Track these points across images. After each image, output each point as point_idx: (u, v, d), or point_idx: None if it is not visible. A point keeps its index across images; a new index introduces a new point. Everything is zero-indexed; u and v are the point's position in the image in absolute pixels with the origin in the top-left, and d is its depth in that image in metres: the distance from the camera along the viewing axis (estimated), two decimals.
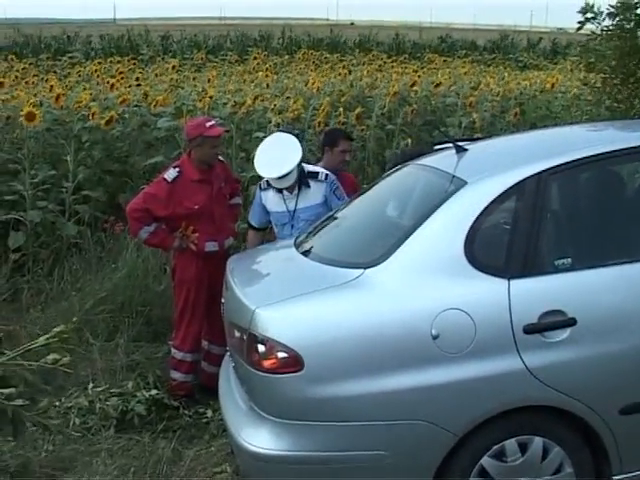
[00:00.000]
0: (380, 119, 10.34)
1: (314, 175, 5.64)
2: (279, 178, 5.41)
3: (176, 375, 5.66)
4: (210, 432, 4.94)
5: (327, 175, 5.68)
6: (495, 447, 3.62)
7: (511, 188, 3.77)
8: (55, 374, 3.02)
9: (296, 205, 5.58)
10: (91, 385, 5.49)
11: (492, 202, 3.74)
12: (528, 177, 3.79)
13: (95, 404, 5.25)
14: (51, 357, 2.89)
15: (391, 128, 10.39)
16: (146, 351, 6.13)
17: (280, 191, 5.58)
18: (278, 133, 5.85)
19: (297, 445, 3.59)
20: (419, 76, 13.83)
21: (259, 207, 5.79)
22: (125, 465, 4.38)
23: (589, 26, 7.31)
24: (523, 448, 3.65)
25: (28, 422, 2.70)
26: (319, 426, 3.57)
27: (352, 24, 55.46)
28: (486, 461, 3.62)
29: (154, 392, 5.39)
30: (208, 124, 5.61)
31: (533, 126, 10.29)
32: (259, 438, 3.68)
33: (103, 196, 8.35)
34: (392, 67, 16.20)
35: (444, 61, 19.59)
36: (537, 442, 3.65)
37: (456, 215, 3.77)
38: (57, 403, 5.30)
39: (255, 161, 5.55)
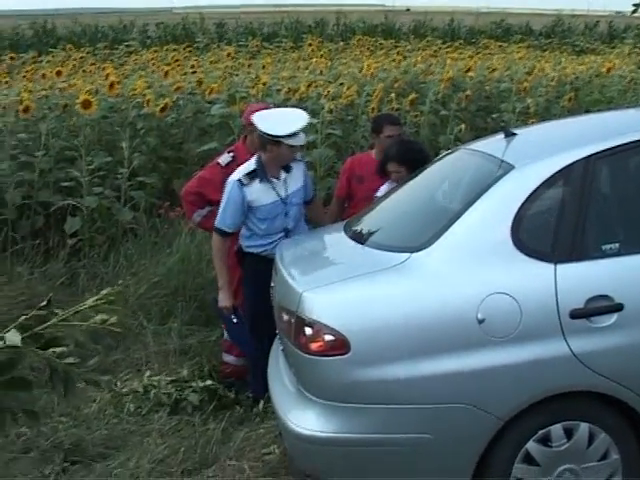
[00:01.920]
0: (434, 105, 10.28)
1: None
2: (298, 133, 5.12)
3: (228, 358, 5.73)
4: (260, 414, 4.99)
5: (303, 156, 5.60)
6: (541, 432, 3.62)
7: (558, 172, 3.76)
8: (103, 334, 3.11)
9: (287, 190, 5.29)
10: (147, 373, 5.59)
11: (539, 186, 3.73)
12: (576, 161, 3.76)
13: (150, 390, 5.35)
14: (99, 317, 2.96)
15: (445, 114, 10.34)
16: (199, 335, 6.22)
17: (267, 179, 5.20)
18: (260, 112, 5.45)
19: (343, 427, 3.63)
20: (474, 62, 13.73)
21: (238, 207, 5.22)
22: (175, 445, 4.47)
23: None
24: (569, 434, 3.64)
25: (78, 380, 2.79)
26: (365, 409, 3.61)
27: (408, 10, 55.04)
28: (531, 446, 3.62)
29: (209, 382, 5.43)
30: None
31: (588, 111, 10.15)
32: (306, 420, 3.73)
33: (158, 182, 8.48)
34: (447, 53, 16.09)
35: (499, 46, 19.41)
36: (583, 428, 3.64)
37: (503, 199, 3.76)
38: (113, 388, 5.43)
39: (259, 124, 5.15)
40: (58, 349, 2.91)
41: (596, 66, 13.34)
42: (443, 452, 3.61)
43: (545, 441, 3.63)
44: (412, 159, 5.23)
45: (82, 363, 3.10)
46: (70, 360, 2.89)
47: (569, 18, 36.71)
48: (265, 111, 5.42)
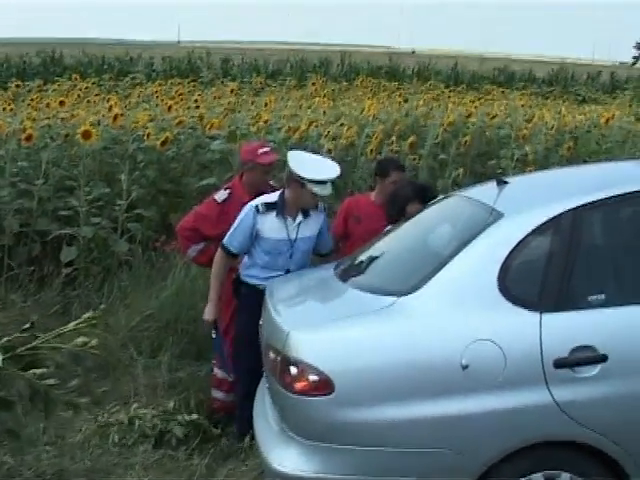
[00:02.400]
0: (433, 149, 10.36)
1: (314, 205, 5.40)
2: (326, 183, 5.11)
3: (218, 394, 5.73)
4: (245, 450, 4.99)
5: (324, 206, 5.51)
6: (523, 479, 3.62)
7: (547, 222, 3.80)
8: (84, 356, 3.15)
9: (297, 234, 5.30)
10: (134, 405, 5.59)
11: (527, 235, 3.78)
12: (565, 211, 3.81)
13: (135, 422, 5.35)
14: (80, 340, 3.00)
15: (444, 158, 10.41)
16: (189, 369, 6.22)
17: (283, 216, 5.24)
18: (296, 151, 5.55)
19: (325, 467, 3.65)
20: (475, 107, 13.85)
21: (247, 231, 5.28)
22: (158, 479, 4.46)
23: None
24: None
25: (59, 401, 2.82)
26: (347, 450, 3.62)
27: (413, 52, 55.57)
28: None
29: (194, 416, 5.43)
30: (261, 150, 5.70)
31: (585, 161, 10.23)
32: (287, 459, 3.75)
33: (156, 215, 8.52)
34: (449, 97, 16.25)
35: (502, 92, 19.59)
36: (564, 477, 3.65)
37: (491, 247, 3.81)
38: (98, 417, 5.44)
39: (293, 162, 5.18)
40: (38, 371, 2.94)
41: (595, 116, 13.45)
42: None
43: None
44: (431, 197, 5.25)
45: (62, 385, 3.13)
46: (50, 382, 2.92)
47: (572, 67, 37.02)
48: (303, 153, 5.44)
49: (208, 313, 5.38)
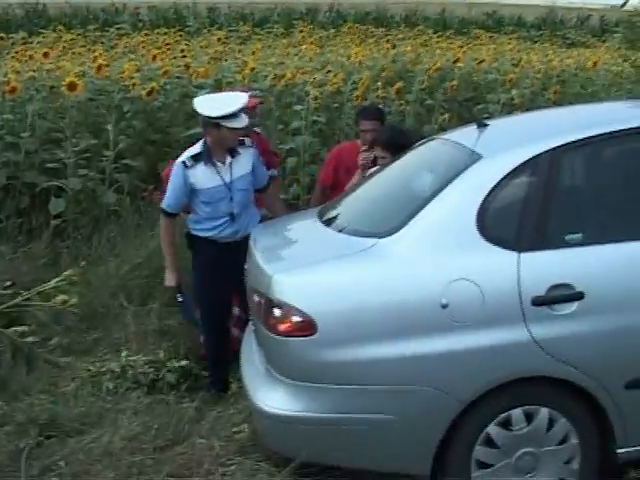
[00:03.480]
0: (420, 94, 10.35)
1: (241, 142, 5.38)
2: (238, 115, 5.10)
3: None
4: (234, 395, 5.08)
5: (252, 142, 5.48)
6: (501, 415, 3.71)
7: (525, 163, 3.84)
8: (65, 315, 3.22)
9: (232, 175, 5.26)
10: (125, 353, 5.68)
11: (505, 176, 3.82)
12: (542, 152, 3.85)
13: (127, 370, 5.45)
14: (60, 298, 3.07)
15: (431, 103, 10.41)
16: (178, 317, 6.26)
17: (212, 163, 5.23)
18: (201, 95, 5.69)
19: (309, 406, 3.73)
20: (464, 52, 13.79)
21: (181, 189, 5.28)
22: (149, 422, 4.53)
23: (634, 2, 7.27)
24: (529, 418, 3.73)
25: (40, 358, 2.90)
26: (329, 389, 3.70)
27: None
28: (492, 429, 3.71)
29: (184, 362, 5.55)
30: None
31: (571, 104, 10.24)
32: (273, 399, 3.83)
33: (143, 166, 8.54)
34: (437, 43, 16.14)
35: (490, 37, 19.44)
36: (543, 412, 3.74)
37: (470, 188, 3.85)
38: (91, 367, 5.54)
39: (198, 107, 5.22)
40: (20, 328, 3.00)
41: (583, 59, 13.42)
42: (406, 433, 3.70)
43: (506, 425, 3.72)
44: (395, 145, 5.30)
45: (44, 343, 3.20)
46: (30, 339, 2.98)
47: (562, 10, 36.75)
48: (206, 95, 5.55)
49: (168, 280, 5.50)
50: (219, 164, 5.27)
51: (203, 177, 5.25)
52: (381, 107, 7.48)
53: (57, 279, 3.02)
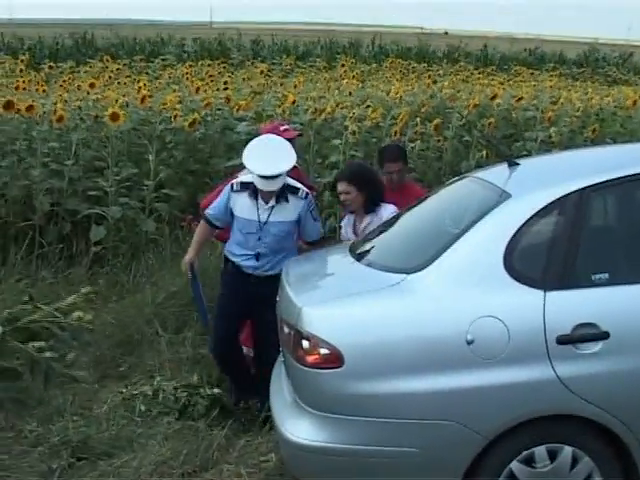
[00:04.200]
0: (458, 131, 10.44)
1: (295, 190, 5.34)
2: (272, 178, 5.10)
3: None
4: (262, 424, 5.15)
5: (307, 194, 5.40)
6: (525, 452, 3.74)
7: (553, 202, 3.90)
8: (82, 331, 3.32)
9: (269, 217, 5.29)
10: (158, 378, 5.78)
11: (534, 215, 3.87)
12: (570, 192, 3.90)
13: (159, 394, 5.54)
14: (76, 314, 3.16)
15: (469, 140, 10.48)
16: None
17: (255, 197, 5.28)
18: (271, 135, 5.59)
19: (334, 438, 3.79)
20: (504, 89, 13.87)
21: (222, 206, 5.43)
22: (178, 448, 4.63)
23: None
24: (552, 455, 3.75)
25: (58, 373, 2.99)
26: (355, 421, 3.75)
27: (446, 33, 55.28)
28: (515, 465, 3.74)
29: (216, 390, 5.62)
30: (282, 127, 5.90)
31: (608, 143, 10.25)
32: (300, 429, 3.89)
33: (183, 195, 8.71)
34: (478, 79, 16.24)
35: (531, 74, 19.51)
36: (567, 451, 3.75)
37: (498, 226, 3.91)
38: (124, 390, 5.64)
39: (245, 157, 5.23)
40: (37, 343, 3.11)
41: (622, 97, 13.40)
42: (429, 467, 3.74)
43: (529, 462, 3.75)
44: (360, 179, 5.44)
45: (60, 358, 3.31)
46: (48, 354, 3.09)
47: (603, 47, 36.61)
48: (263, 141, 5.41)
49: (187, 255, 5.73)
50: (262, 202, 5.30)
51: (242, 205, 5.33)
52: (401, 145, 7.33)
53: (74, 295, 3.14)
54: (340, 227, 5.84)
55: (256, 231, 5.33)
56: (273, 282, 4.86)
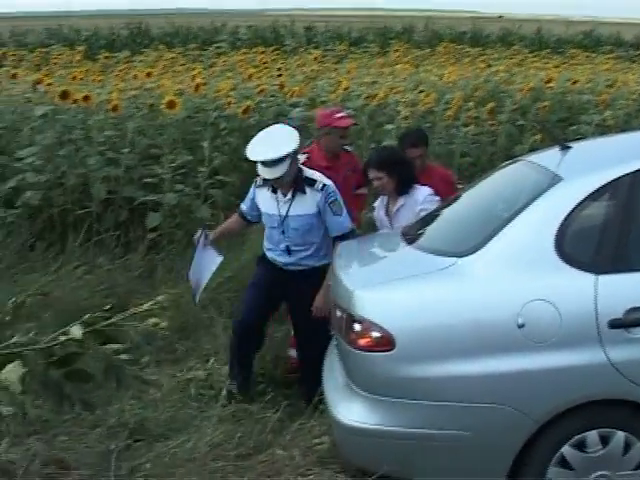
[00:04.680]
0: (512, 115, 10.36)
1: (311, 182, 5.25)
2: (269, 165, 5.03)
3: (294, 353, 5.95)
4: (316, 408, 5.19)
5: (325, 185, 5.25)
6: (576, 437, 3.74)
7: (605, 186, 3.88)
8: (156, 336, 3.41)
9: (288, 211, 5.25)
10: (212, 360, 5.87)
11: (585, 198, 3.86)
12: (622, 175, 3.88)
13: (213, 377, 5.63)
14: (152, 321, 3.24)
15: (523, 124, 10.40)
16: (267, 329, 6.45)
17: (275, 191, 5.27)
18: (278, 125, 5.68)
19: (385, 420, 3.83)
20: (560, 72, 13.70)
21: (250, 202, 5.54)
22: (232, 431, 4.69)
23: None
24: (605, 440, 3.74)
25: (130, 376, 3.07)
26: (406, 404, 3.79)
27: (501, 17, 54.71)
28: (567, 450, 3.74)
29: (271, 374, 5.71)
30: (337, 115, 5.91)
31: None
32: (352, 412, 3.94)
33: (237, 181, 8.76)
34: (532, 62, 16.06)
35: (587, 57, 19.23)
36: (619, 436, 3.74)
37: (549, 209, 3.91)
38: (178, 374, 5.74)
39: (247, 148, 5.25)
40: (115, 346, 3.20)
41: None
42: (480, 450, 3.76)
43: (581, 446, 3.75)
44: (390, 163, 5.39)
45: (135, 361, 3.40)
46: (124, 357, 3.18)
47: None
48: (268, 128, 5.46)
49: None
50: (280, 195, 5.29)
51: (264, 200, 5.39)
52: (422, 130, 7.04)
53: (150, 303, 3.23)
54: (373, 208, 5.82)
55: (278, 225, 5.34)
56: (306, 276, 5.12)
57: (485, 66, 14.57)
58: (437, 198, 5.25)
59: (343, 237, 5.27)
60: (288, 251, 5.36)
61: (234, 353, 5.59)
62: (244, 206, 5.61)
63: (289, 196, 5.26)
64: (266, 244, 5.53)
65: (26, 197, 7.75)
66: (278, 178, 5.12)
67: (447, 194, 5.30)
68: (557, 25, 35.97)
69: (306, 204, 5.24)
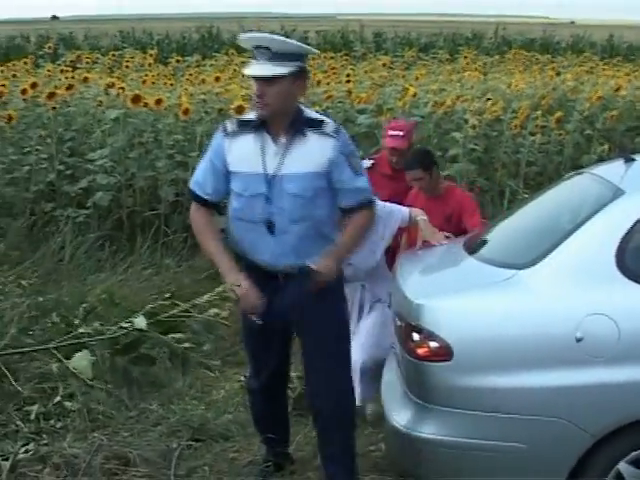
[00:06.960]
0: (580, 124, 10.26)
1: (317, 123, 3.70)
2: (265, 57, 3.58)
3: None
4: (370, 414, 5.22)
5: (339, 130, 3.75)
6: (633, 454, 3.71)
7: None
8: (216, 325, 3.51)
9: (281, 164, 3.65)
10: None
11: None
12: None
13: None
14: (213, 311, 3.35)
15: (590, 134, 10.30)
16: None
17: (261, 137, 3.66)
18: None
19: (440, 429, 3.85)
20: (629, 80, 13.50)
21: (215, 165, 3.75)
22: (291, 435, 4.76)
23: None
24: None
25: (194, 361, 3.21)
26: (462, 414, 3.80)
27: (572, 23, 54.04)
28: (623, 466, 3.71)
29: None
30: (390, 132, 5.74)
31: None
32: (407, 419, 3.97)
33: None
34: (603, 70, 15.86)
35: None
36: None
37: (610, 223, 3.89)
38: (242, 377, 5.83)
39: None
40: (177, 335, 3.34)
41: None
42: (535, 463, 3.76)
43: (637, 463, 3.72)
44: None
45: (197, 348, 3.53)
46: (186, 345, 3.32)
47: None
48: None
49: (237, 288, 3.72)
50: (269, 141, 3.69)
51: (242, 153, 3.72)
52: (425, 151, 6.23)
53: (210, 294, 3.33)
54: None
55: (264, 190, 3.67)
56: (308, 281, 3.74)
57: (555, 74, 14.43)
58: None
59: (362, 208, 3.87)
60: (270, 229, 3.73)
61: (257, 418, 4.48)
62: (204, 182, 3.82)
63: (283, 139, 3.71)
64: (236, 231, 3.90)
65: (96, 198, 7.97)
66: (270, 79, 3.57)
67: (464, 218, 5.40)
68: (630, 31, 35.36)
69: (309, 154, 3.69)
